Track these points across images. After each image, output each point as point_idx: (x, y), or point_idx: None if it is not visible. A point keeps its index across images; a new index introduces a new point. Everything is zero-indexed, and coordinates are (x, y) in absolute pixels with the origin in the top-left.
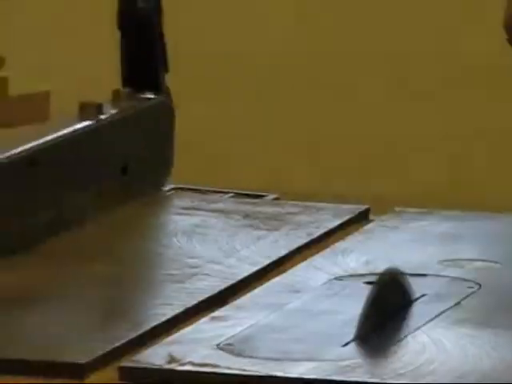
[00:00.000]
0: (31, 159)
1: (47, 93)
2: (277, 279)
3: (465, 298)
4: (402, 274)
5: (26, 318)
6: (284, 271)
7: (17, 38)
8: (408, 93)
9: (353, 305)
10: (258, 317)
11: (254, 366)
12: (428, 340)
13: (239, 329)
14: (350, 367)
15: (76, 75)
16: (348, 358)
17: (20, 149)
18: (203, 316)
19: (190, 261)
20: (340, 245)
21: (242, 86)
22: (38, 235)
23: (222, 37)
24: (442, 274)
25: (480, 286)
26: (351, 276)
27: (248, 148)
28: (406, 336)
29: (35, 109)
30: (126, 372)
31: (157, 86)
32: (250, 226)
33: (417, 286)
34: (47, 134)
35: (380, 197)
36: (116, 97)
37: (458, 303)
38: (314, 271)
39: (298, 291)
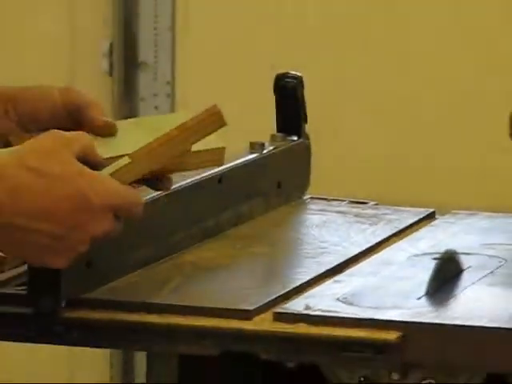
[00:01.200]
0: (219, 178)
1: (224, 148)
2: (375, 256)
3: (496, 268)
4: (456, 252)
5: (213, 280)
6: (380, 251)
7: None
8: (468, 109)
9: (424, 272)
10: (363, 280)
11: (360, 311)
12: (473, 295)
13: (351, 288)
14: (423, 313)
15: (246, 128)
16: (421, 306)
17: (211, 171)
18: (328, 280)
19: (320, 244)
20: (416, 234)
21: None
22: (225, 227)
23: None
24: (482, 253)
25: (506, 260)
26: (423, 254)
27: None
28: (458, 293)
29: (213, 159)
30: (278, 315)
31: (299, 132)
32: (359, 222)
33: (465, 261)
34: (229, 162)
35: (443, 203)
36: (273, 139)
37: (492, 272)
38: (399, 251)
39: (388, 264)
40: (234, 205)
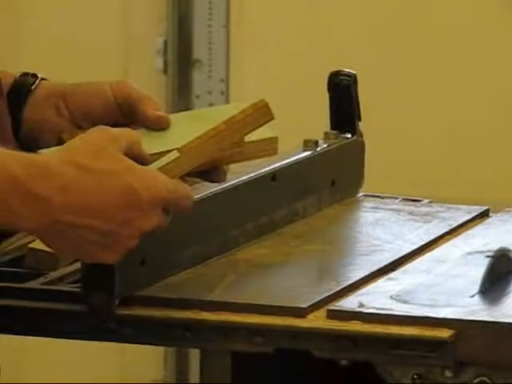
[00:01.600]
0: (273, 175)
1: (276, 138)
2: (429, 254)
3: None
4: (510, 250)
5: (268, 277)
6: (433, 249)
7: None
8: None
9: (478, 270)
10: (416, 278)
11: (413, 309)
12: None
13: (404, 286)
14: (476, 311)
15: (300, 125)
16: (474, 304)
17: (264, 169)
18: (381, 277)
19: (374, 241)
20: (470, 232)
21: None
22: (279, 224)
23: None
24: None
25: None
26: (477, 252)
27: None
28: (510, 291)
29: (267, 149)
30: (331, 313)
31: (353, 130)
32: (413, 219)
33: None
34: (283, 159)
35: (497, 201)
36: (327, 136)
37: None
38: (453, 249)
39: (442, 262)
40: (287, 202)
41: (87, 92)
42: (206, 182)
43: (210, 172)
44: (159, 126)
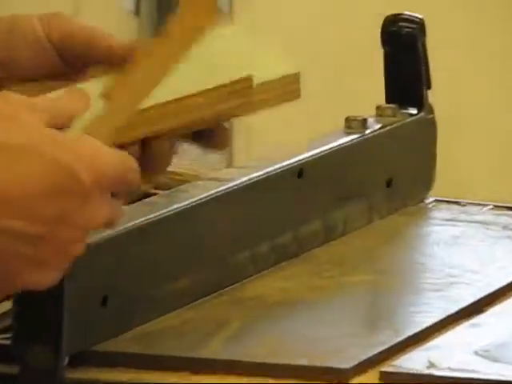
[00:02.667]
0: (299, 171)
1: (298, 74)
2: None
3: None
4: None
5: (290, 323)
6: None
7: None
8: None
9: None
10: None
11: (508, 371)
12: None
13: (496, 335)
14: None
15: (342, 90)
16: None
17: (288, 161)
18: (460, 323)
19: (450, 270)
20: None
21: None
22: (309, 244)
23: None
24: None
25: None
26: None
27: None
28: None
29: (286, 92)
30: (386, 376)
31: (419, 102)
32: (508, 237)
33: None
34: (314, 147)
35: None
36: (380, 112)
37: None
38: None
39: None
40: (321, 211)
41: (5, 29)
42: (199, 182)
43: (205, 134)
44: (130, 61)
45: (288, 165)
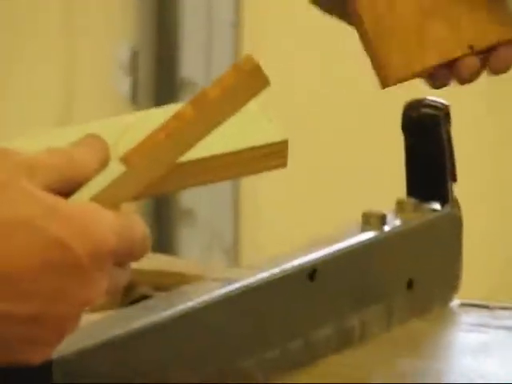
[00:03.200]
0: (311, 272)
1: (286, 142)
2: None
3: None
4: None
5: None
6: None
7: None
8: None
9: None
10: None
11: None
12: None
13: None
14: None
15: (360, 182)
16: None
17: (299, 261)
18: None
19: (481, 380)
20: None
21: None
22: (321, 351)
23: None
24: None
25: None
26: None
27: None
28: None
29: (272, 158)
30: None
31: (443, 197)
32: None
33: None
34: (328, 245)
35: None
36: (400, 207)
37: None
38: None
39: None
40: (335, 315)
41: None
42: (202, 283)
43: None
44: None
45: (299, 265)
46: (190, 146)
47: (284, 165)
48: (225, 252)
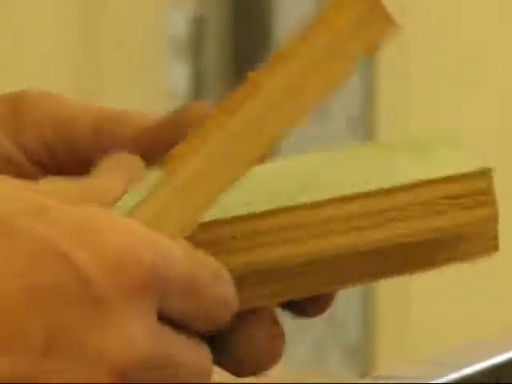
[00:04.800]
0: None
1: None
2: None
3: None
4: None
5: None
6: None
7: None
8: None
9: None
10: None
11: None
12: None
13: None
14: None
15: None
16: None
17: (484, 364)
18: None
19: None
20: None
21: None
22: None
23: None
24: None
25: None
26: None
27: None
28: None
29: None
30: None
31: None
32: None
33: None
34: None
35: None
36: None
37: None
38: None
39: None
40: None
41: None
42: None
43: (303, 301)
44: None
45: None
46: (271, 140)
47: (494, 250)
48: None
